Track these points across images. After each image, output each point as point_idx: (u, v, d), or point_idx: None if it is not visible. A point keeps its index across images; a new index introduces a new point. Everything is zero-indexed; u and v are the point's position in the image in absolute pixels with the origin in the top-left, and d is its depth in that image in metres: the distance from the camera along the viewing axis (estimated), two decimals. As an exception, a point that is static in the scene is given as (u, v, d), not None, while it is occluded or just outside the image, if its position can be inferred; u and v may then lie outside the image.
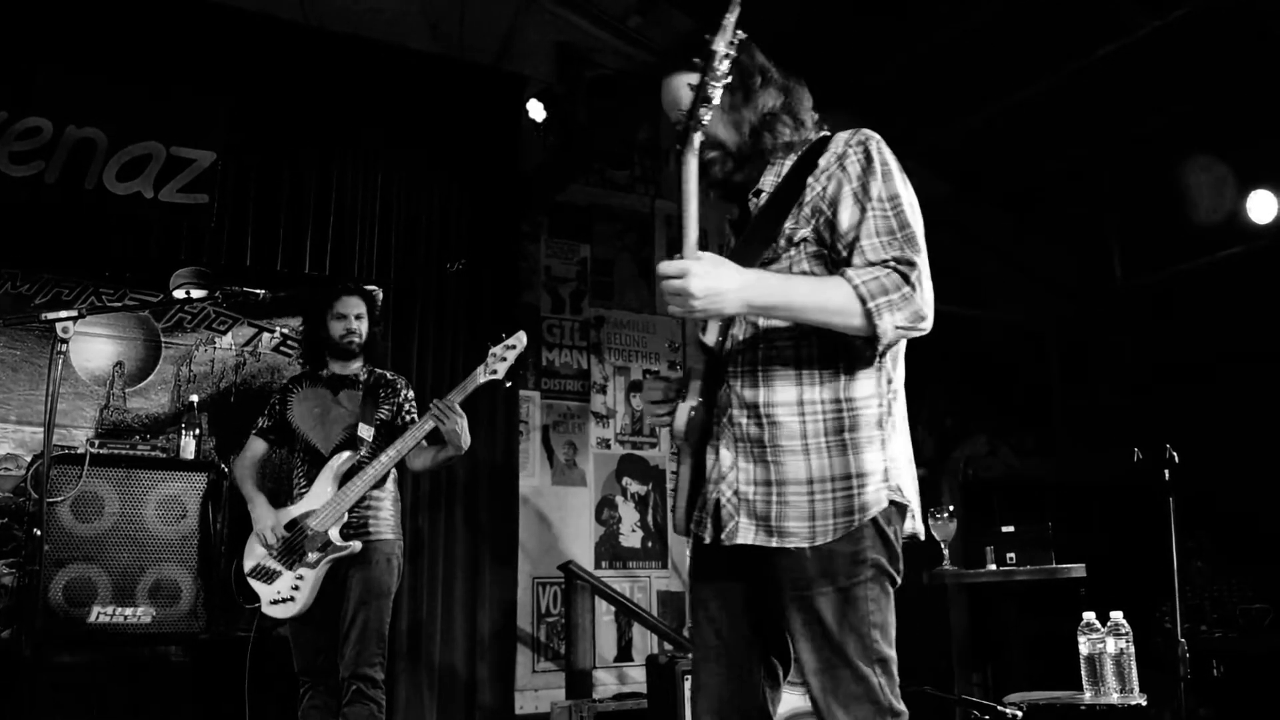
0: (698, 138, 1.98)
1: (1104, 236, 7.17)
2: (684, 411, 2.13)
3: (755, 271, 1.99)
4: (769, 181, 2.15)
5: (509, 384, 3.93)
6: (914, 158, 7.70)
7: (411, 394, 4.21)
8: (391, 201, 5.78)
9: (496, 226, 6.08)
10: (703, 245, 1.96)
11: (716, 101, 1.95)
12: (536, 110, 5.86)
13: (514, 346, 3.88)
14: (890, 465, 2.06)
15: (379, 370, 4.23)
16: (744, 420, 2.08)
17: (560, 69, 6.48)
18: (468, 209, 5.99)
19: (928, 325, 1.99)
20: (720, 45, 1.90)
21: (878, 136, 2.09)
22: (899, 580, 2.07)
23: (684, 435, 2.14)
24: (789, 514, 2.02)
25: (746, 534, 2.05)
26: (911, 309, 1.95)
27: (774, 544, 2.03)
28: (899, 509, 2.07)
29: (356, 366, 4.19)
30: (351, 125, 5.69)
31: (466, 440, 3.95)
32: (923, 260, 1.99)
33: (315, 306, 4.23)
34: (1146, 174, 6.79)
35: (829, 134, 2.17)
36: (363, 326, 4.13)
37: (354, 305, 4.12)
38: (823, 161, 2.08)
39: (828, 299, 1.94)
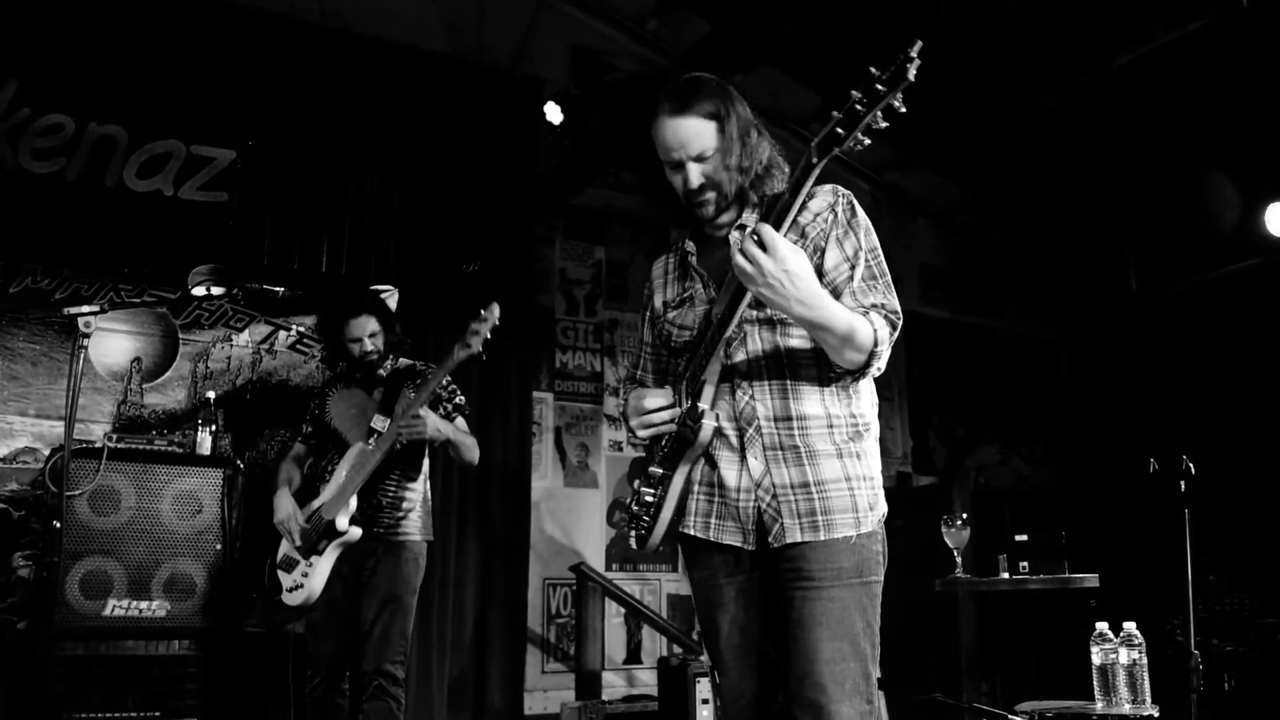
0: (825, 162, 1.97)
1: (1120, 247, 7.16)
2: (710, 421, 2.18)
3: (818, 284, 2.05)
4: (752, 218, 2.23)
5: (484, 356, 3.87)
6: (928, 165, 7.72)
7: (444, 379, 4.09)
8: (407, 202, 5.80)
9: (511, 228, 6.10)
10: None
11: (862, 139, 1.92)
12: (554, 113, 5.85)
13: (485, 319, 3.84)
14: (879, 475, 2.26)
15: (405, 361, 4.23)
16: (775, 431, 2.17)
17: (576, 72, 6.51)
18: (483, 210, 6.00)
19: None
20: (911, 71, 1.82)
21: (852, 194, 2.26)
22: None
23: (707, 445, 2.20)
24: (833, 506, 2.13)
25: (794, 533, 2.13)
26: (887, 357, 2.15)
27: (822, 537, 2.11)
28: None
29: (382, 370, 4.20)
30: (369, 126, 5.71)
31: (435, 430, 3.88)
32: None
33: (332, 326, 4.25)
34: (1162, 185, 6.79)
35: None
36: (379, 341, 4.10)
37: (366, 325, 4.08)
38: (814, 205, 2.21)
39: (857, 333, 2.06)
